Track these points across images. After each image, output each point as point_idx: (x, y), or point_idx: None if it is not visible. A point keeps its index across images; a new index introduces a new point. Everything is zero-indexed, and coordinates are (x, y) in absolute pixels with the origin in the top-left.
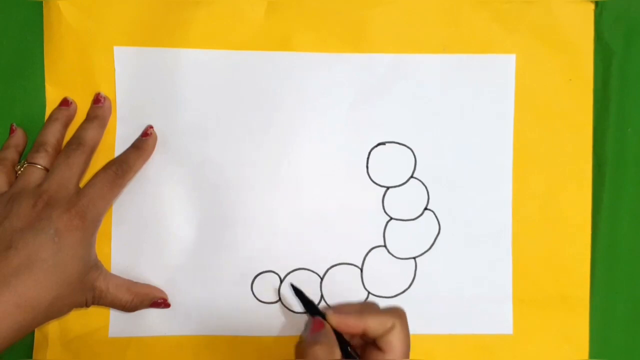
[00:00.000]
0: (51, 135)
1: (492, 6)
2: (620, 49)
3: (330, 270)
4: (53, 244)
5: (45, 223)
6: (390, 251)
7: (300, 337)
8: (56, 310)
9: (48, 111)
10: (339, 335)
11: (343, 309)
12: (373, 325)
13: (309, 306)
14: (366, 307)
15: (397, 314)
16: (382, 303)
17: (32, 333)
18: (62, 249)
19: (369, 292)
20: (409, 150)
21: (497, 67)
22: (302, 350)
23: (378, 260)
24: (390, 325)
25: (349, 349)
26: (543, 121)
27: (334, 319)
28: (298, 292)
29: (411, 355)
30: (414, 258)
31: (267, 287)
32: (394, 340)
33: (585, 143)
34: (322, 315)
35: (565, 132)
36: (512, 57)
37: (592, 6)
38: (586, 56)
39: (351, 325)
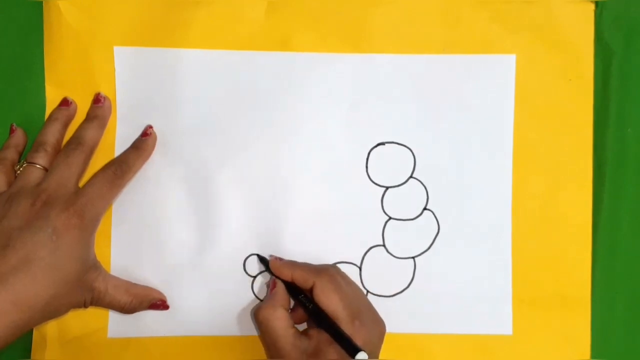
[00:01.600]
0: (51, 135)
1: (492, 6)
2: (620, 49)
3: None
4: (51, 243)
5: (43, 222)
6: (389, 251)
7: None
8: (54, 309)
9: (48, 111)
10: (294, 287)
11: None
12: (298, 278)
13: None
14: (300, 263)
15: (319, 272)
16: (381, 302)
17: (31, 333)
18: (59, 248)
19: (367, 291)
20: (409, 151)
21: (497, 67)
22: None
23: (377, 259)
24: (312, 282)
25: (301, 297)
26: (543, 121)
27: (271, 263)
28: (262, 260)
29: (410, 355)
30: (413, 258)
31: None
32: (320, 297)
33: (585, 143)
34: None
35: (565, 132)
36: (512, 57)
37: (592, 6)
38: (586, 56)
39: (283, 273)
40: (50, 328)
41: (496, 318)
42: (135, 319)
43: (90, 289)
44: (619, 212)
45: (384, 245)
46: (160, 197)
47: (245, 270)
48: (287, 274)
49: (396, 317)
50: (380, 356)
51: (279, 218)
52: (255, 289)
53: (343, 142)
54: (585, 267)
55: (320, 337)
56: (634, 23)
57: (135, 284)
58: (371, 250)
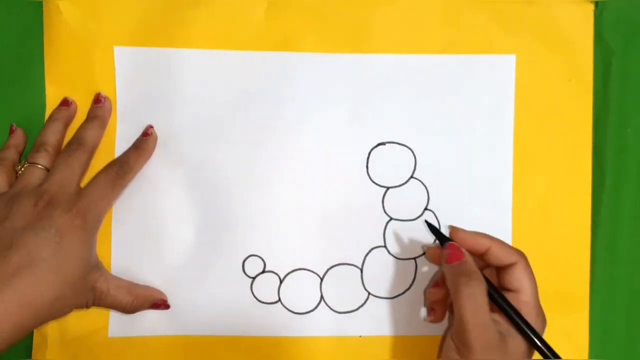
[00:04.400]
0: (51, 135)
1: (492, 6)
2: (620, 49)
3: (330, 271)
4: (54, 244)
5: (46, 222)
6: (391, 251)
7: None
8: (57, 310)
9: (48, 111)
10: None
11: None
12: (497, 251)
13: (438, 235)
14: (491, 236)
15: (520, 253)
16: (382, 304)
17: (31, 333)
18: (63, 249)
19: (369, 293)
20: (409, 151)
21: (497, 67)
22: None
23: (378, 260)
24: (515, 259)
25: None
26: (543, 121)
27: (456, 232)
28: (430, 226)
29: (412, 357)
30: (414, 258)
31: (266, 288)
32: (523, 278)
33: (585, 143)
34: (447, 239)
35: (565, 132)
36: (512, 57)
37: (592, 6)
38: (586, 56)
39: (478, 243)
40: (51, 328)
41: None
42: (135, 319)
43: (93, 289)
44: (619, 212)
45: (385, 246)
46: (161, 197)
47: (244, 271)
48: (484, 245)
49: (398, 319)
50: (380, 358)
51: (279, 219)
52: (254, 290)
53: (343, 142)
54: (585, 267)
55: (504, 324)
56: (634, 23)
57: (136, 284)
58: (372, 251)
